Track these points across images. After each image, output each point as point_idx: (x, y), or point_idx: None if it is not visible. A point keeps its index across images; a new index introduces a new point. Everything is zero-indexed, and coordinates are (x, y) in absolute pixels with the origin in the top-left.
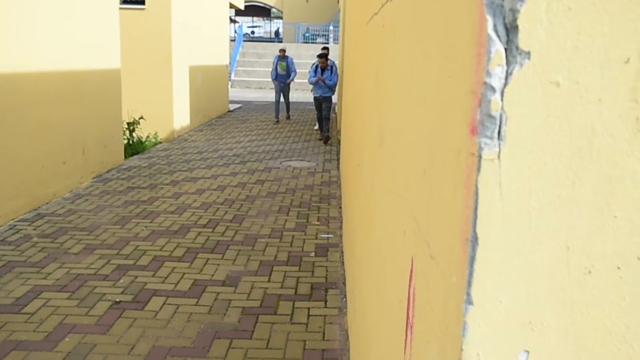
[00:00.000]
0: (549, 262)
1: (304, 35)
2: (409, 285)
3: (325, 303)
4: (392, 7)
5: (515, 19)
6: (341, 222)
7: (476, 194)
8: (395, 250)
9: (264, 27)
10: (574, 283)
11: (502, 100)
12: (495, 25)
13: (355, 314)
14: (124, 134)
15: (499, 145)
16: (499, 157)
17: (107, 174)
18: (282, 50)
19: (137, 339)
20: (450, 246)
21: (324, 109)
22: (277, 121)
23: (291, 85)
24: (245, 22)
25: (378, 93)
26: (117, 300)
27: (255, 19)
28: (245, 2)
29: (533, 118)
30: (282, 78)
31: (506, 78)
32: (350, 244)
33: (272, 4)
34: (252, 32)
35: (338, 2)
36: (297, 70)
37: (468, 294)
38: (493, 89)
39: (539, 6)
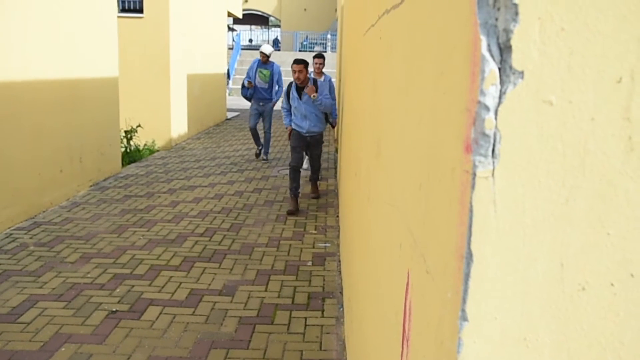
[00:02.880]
0: (543, 279)
1: (301, 43)
2: (405, 299)
3: (323, 313)
4: (389, 20)
5: (508, 39)
6: (339, 231)
7: (470, 211)
8: (391, 262)
9: (261, 35)
10: (568, 300)
11: (496, 119)
12: (489, 45)
13: (352, 324)
14: (122, 142)
15: (493, 163)
16: (493, 175)
17: (104, 182)
18: (264, 55)
19: (133, 349)
20: (445, 262)
21: (312, 157)
22: (259, 154)
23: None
24: (244, 30)
25: (375, 104)
26: (114, 309)
27: (253, 27)
28: (243, 10)
29: (527, 137)
30: (262, 94)
31: (500, 97)
32: (347, 253)
33: (270, 13)
34: (250, 41)
35: (336, 11)
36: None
37: (463, 310)
38: (487, 108)
39: (532, 27)
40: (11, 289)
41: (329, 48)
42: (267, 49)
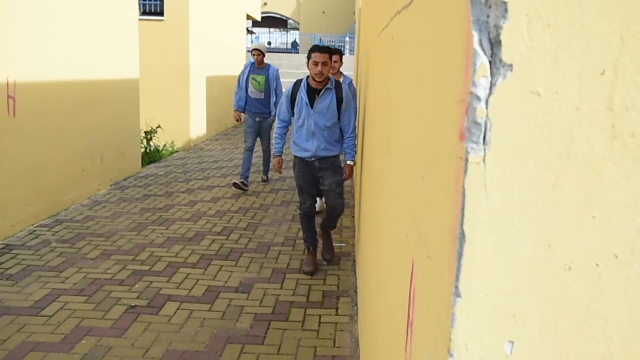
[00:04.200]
0: (531, 259)
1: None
2: (410, 286)
3: (337, 310)
4: (400, 21)
5: (498, 35)
6: (354, 231)
7: (463, 194)
8: (399, 253)
9: (280, 37)
10: (555, 278)
11: (486, 108)
12: (480, 40)
13: (365, 320)
14: (142, 143)
15: (484, 149)
16: (484, 160)
17: (124, 181)
18: (258, 52)
19: (151, 343)
20: (442, 244)
21: (328, 191)
22: (243, 183)
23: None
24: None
25: (387, 103)
26: (133, 304)
27: (272, 29)
28: (262, 13)
29: (516, 125)
30: (257, 107)
31: (490, 88)
32: (362, 252)
33: (288, 15)
34: (269, 43)
35: (354, 13)
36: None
37: (456, 287)
38: (478, 98)
39: (521, 23)
40: (34, 283)
41: (347, 50)
42: (262, 45)
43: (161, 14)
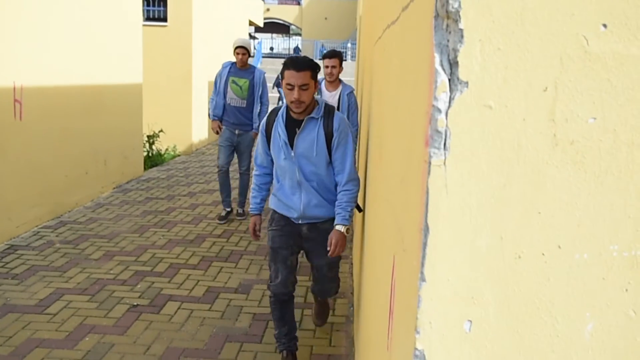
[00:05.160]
0: (486, 249)
1: (320, 51)
2: (392, 279)
3: (333, 311)
4: (389, 34)
5: (456, 56)
6: (352, 235)
7: (427, 192)
8: (385, 251)
9: (282, 43)
10: (507, 266)
11: (446, 119)
12: (441, 61)
13: (360, 319)
14: (144, 147)
15: (445, 154)
16: (444, 163)
17: (127, 184)
18: (244, 51)
19: (152, 340)
20: (413, 237)
21: (317, 278)
22: (229, 213)
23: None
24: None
25: (380, 111)
26: (135, 303)
27: (274, 35)
28: (265, 19)
29: (471, 133)
30: (236, 117)
31: (450, 102)
32: (358, 254)
33: (291, 21)
34: (271, 49)
35: (356, 19)
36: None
37: (422, 273)
38: (439, 110)
39: (475, 46)
40: (39, 282)
41: (349, 57)
42: (248, 42)
43: (165, 20)
